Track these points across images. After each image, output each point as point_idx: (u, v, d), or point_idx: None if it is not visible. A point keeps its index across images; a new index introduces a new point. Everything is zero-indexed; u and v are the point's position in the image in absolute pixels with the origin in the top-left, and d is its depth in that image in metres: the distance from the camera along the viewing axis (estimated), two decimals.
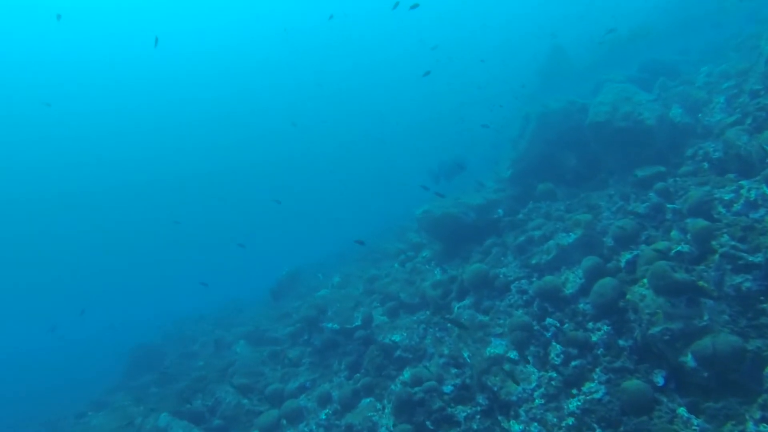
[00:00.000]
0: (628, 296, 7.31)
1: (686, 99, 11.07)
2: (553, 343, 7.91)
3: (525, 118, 12.60)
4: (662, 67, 13.42)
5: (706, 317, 6.27)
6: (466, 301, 10.16)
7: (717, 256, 6.76)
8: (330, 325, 12.50)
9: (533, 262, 9.67)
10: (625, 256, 8.17)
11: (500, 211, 12.03)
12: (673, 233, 8.18)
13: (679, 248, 7.32)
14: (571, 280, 8.73)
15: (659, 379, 6.53)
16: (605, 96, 10.85)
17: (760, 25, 15.71)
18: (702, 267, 6.81)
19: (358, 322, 12.08)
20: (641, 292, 7.05)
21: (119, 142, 64.05)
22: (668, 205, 8.68)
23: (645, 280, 7.11)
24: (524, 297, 9.17)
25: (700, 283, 6.58)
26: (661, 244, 7.50)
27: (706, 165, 9.27)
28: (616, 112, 10.42)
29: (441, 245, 12.46)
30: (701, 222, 7.17)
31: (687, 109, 10.73)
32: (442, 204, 12.08)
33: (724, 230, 7.07)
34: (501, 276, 9.85)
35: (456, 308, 10.20)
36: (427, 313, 10.90)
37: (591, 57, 21.47)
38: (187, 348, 21.77)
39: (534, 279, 9.49)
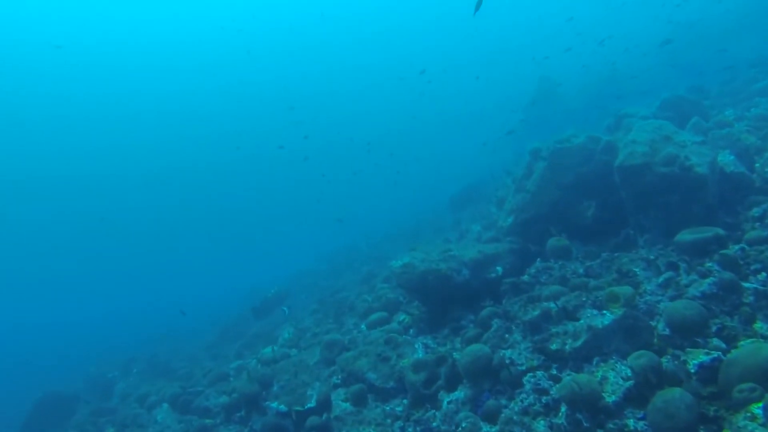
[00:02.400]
0: (725, 431, 4.86)
1: (733, 144, 9.01)
2: None
3: (533, 155, 10.23)
4: (689, 105, 11.43)
5: None
6: (459, 394, 7.53)
7: None
8: (275, 405, 9.64)
9: (553, 347, 7.16)
10: (699, 357, 5.76)
11: (499, 268, 9.57)
12: (758, 325, 5.91)
13: None
14: (612, 380, 6.26)
15: None
16: (639, 134, 8.60)
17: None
18: None
19: (312, 404, 9.28)
20: (751, 428, 4.61)
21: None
22: (744, 284, 6.40)
23: (757, 409, 4.68)
24: (544, 399, 6.62)
25: None
26: (765, 348, 5.14)
27: None
28: (655, 155, 8.18)
29: (423, 309, 9.78)
30: None
31: (737, 157, 8.66)
32: (427, 257, 9.52)
33: None
34: (508, 363, 7.29)
35: (445, 403, 7.56)
36: (405, 403, 8.20)
37: (583, 92, 19.97)
38: (104, 402, 18.43)
39: (554, 371, 7.00)
